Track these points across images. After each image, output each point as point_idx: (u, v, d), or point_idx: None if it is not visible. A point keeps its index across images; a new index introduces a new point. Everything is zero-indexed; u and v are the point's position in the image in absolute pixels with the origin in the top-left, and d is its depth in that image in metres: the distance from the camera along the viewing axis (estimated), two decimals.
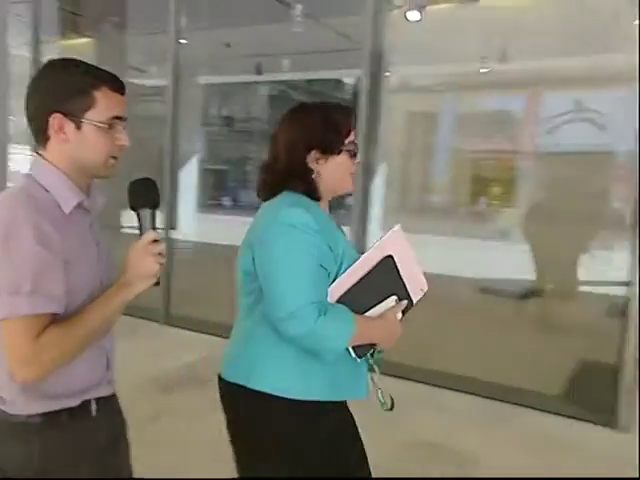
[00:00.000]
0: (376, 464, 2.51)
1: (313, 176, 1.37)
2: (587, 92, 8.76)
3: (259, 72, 9.77)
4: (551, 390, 3.59)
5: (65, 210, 1.12)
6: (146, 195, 1.16)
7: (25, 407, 1.10)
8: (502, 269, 5.41)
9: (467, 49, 6.49)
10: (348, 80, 9.30)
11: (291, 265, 1.25)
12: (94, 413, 1.18)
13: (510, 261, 5.12)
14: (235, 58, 9.01)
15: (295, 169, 1.37)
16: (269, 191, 1.41)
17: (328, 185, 1.39)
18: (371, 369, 1.44)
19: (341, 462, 1.39)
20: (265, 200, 1.43)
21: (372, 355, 1.41)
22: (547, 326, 5.02)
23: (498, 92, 8.38)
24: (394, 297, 1.35)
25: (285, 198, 1.36)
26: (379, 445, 2.85)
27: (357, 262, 1.30)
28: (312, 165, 1.37)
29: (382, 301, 1.33)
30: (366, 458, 1.48)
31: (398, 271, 1.33)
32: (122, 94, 1.17)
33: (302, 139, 1.36)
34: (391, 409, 1.46)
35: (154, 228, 1.15)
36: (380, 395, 1.48)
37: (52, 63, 1.15)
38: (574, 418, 3.21)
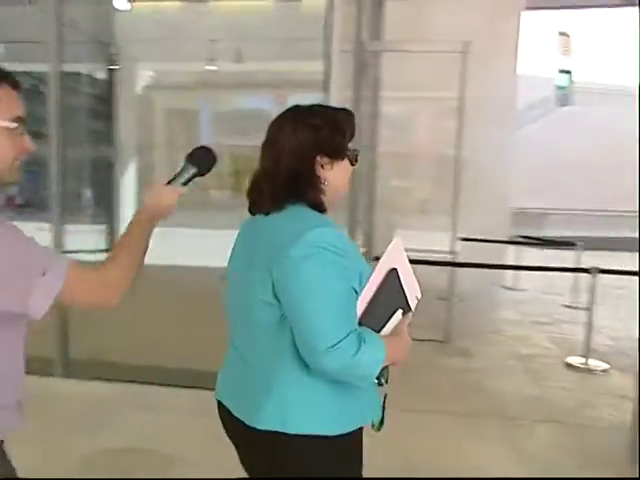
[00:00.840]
0: None
1: (322, 183, 1.26)
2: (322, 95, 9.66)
3: None
4: None
5: None
6: (206, 160, 1.31)
7: None
8: None
9: (206, 49, 6.71)
10: (100, 75, 8.86)
11: (326, 292, 1.14)
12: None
13: None
14: None
15: (303, 176, 1.24)
16: (269, 204, 1.26)
17: (332, 193, 1.29)
18: (380, 385, 1.36)
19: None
20: (262, 214, 1.29)
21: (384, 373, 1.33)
22: None
23: (248, 92, 8.80)
24: (400, 311, 1.31)
25: (299, 214, 1.23)
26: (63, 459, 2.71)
27: (369, 281, 1.25)
28: (319, 172, 1.26)
29: (391, 317, 1.29)
30: None
31: (401, 283, 1.29)
32: (19, 92, 1.06)
33: (311, 142, 1.24)
34: (379, 429, 1.36)
35: (185, 184, 1.29)
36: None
37: None
38: None
